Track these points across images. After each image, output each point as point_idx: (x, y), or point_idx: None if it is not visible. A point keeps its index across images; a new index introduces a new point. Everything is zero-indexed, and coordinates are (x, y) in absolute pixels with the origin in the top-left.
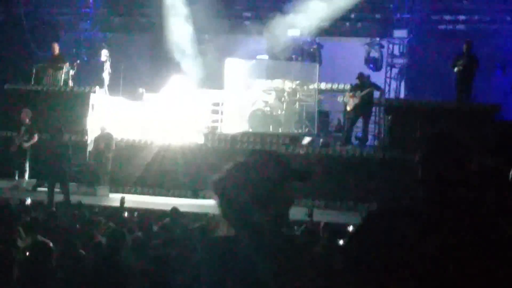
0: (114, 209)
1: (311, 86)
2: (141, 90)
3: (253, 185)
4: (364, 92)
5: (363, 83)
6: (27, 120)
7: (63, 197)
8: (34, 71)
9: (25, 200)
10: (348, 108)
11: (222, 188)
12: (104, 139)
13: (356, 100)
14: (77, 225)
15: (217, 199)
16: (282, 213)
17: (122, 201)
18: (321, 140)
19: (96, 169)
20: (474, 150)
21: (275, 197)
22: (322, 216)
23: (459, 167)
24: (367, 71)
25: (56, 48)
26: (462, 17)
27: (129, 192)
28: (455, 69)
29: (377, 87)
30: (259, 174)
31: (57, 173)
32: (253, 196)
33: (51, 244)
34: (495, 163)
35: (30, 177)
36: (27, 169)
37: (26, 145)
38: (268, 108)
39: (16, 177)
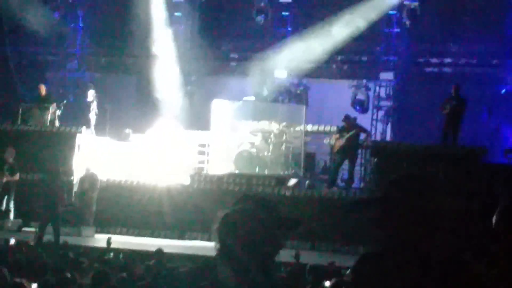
0: (99, 249)
1: (297, 128)
2: (127, 130)
3: (244, 232)
4: (350, 134)
5: (350, 125)
6: (10, 159)
7: (53, 237)
8: (20, 111)
9: (9, 241)
10: (334, 150)
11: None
12: (89, 179)
13: (342, 142)
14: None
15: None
16: (270, 258)
17: (109, 241)
18: (307, 182)
19: (81, 210)
20: (446, 192)
21: (265, 242)
22: (308, 258)
23: (420, 210)
24: (353, 113)
25: (43, 89)
26: (448, 60)
27: (114, 233)
28: (444, 112)
29: (363, 130)
30: (250, 222)
31: (51, 213)
32: (244, 242)
33: (33, 286)
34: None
35: (15, 217)
36: (12, 208)
37: (5, 180)
38: (254, 150)
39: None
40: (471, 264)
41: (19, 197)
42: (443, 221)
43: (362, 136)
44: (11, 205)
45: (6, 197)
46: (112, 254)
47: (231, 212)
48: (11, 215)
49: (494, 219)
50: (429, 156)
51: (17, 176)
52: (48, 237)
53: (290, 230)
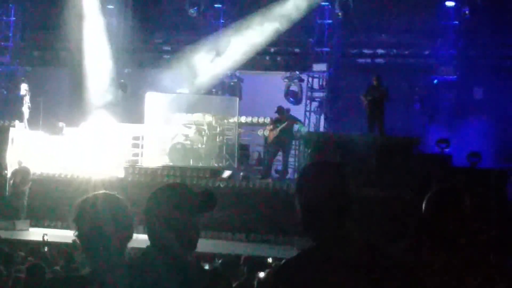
0: (34, 243)
1: (231, 120)
2: (61, 124)
3: (166, 216)
4: (283, 125)
5: (283, 116)
6: None
7: None
8: None
9: None
10: (268, 142)
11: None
12: (21, 173)
13: (276, 134)
14: None
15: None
16: (192, 241)
17: (44, 238)
18: (241, 173)
19: (14, 204)
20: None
21: (183, 228)
22: (243, 249)
23: (333, 196)
24: (287, 105)
25: None
26: (380, 51)
27: (49, 226)
28: (364, 102)
29: (297, 121)
30: (166, 208)
31: None
32: (167, 225)
33: None
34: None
35: None
36: None
37: None
38: (188, 142)
39: None
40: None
41: None
42: (354, 209)
43: (296, 127)
44: None
45: None
46: (46, 248)
47: (149, 204)
48: None
49: (423, 206)
50: (363, 146)
51: None
52: None
53: (206, 210)
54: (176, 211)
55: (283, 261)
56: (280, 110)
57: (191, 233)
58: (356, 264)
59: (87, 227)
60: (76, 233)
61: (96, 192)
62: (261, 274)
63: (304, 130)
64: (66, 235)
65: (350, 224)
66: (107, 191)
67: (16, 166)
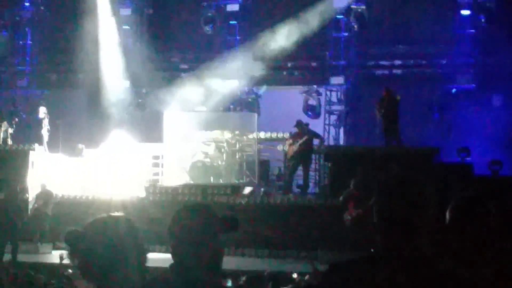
0: (56, 266)
1: (250, 136)
2: (80, 146)
3: (187, 239)
4: (303, 140)
5: (302, 131)
6: None
7: (10, 256)
8: None
9: None
10: (288, 156)
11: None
12: (43, 196)
13: (295, 148)
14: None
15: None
16: (216, 263)
17: (61, 257)
18: (262, 189)
19: (36, 227)
20: (429, 192)
21: (206, 248)
22: (266, 265)
23: (416, 211)
24: (305, 119)
25: None
26: (398, 62)
27: None
28: (378, 114)
29: (316, 135)
30: (189, 229)
31: (9, 232)
32: (189, 248)
33: None
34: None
35: None
36: None
37: None
38: (208, 159)
39: None
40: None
41: None
42: (427, 225)
43: (316, 141)
44: None
45: None
46: (70, 270)
47: (173, 224)
48: None
49: (447, 215)
50: (383, 158)
51: None
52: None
53: (229, 231)
54: (199, 232)
55: (338, 262)
56: (299, 124)
57: (214, 254)
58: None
59: (93, 253)
60: (76, 261)
61: (102, 216)
62: None
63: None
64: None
65: (423, 238)
66: (112, 214)
67: (38, 189)
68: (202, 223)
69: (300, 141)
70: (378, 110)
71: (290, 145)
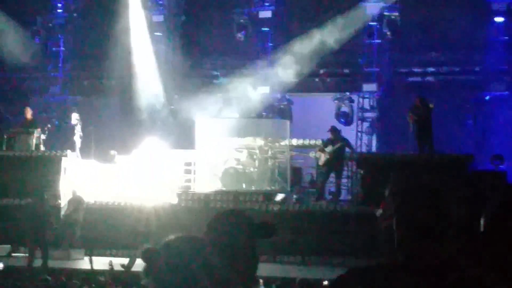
0: (89, 272)
1: (282, 143)
2: (112, 152)
3: (221, 247)
4: (336, 146)
5: (336, 137)
6: None
7: (41, 262)
8: (5, 136)
9: None
10: (321, 163)
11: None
12: (74, 202)
13: (328, 155)
14: None
15: None
16: (251, 270)
17: (91, 260)
18: (294, 196)
19: (68, 233)
20: (451, 201)
21: (242, 255)
22: (297, 272)
23: (439, 219)
24: (338, 126)
25: (29, 112)
26: (431, 69)
27: (103, 255)
28: (411, 122)
29: (349, 144)
30: (225, 235)
31: (38, 238)
32: (222, 256)
33: None
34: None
35: (3, 243)
36: None
37: None
38: (240, 166)
39: None
40: (472, 271)
41: (6, 222)
42: (450, 232)
43: (348, 149)
44: None
45: None
46: (103, 276)
47: (207, 230)
48: None
49: (482, 223)
50: (416, 165)
51: None
52: (38, 261)
53: (266, 238)
54: (236, 238)
55: (357, 267)
56: (333, 130)
57: (250, 261)
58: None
59: (169, 274)
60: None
61: (175, 236)
62: None
63: None
64: (119, 263)
65: (445, 247)
66: (186, 235)
67: (70, 196)
68: (238, 229)
69: (333, 148)
70: (411, 117)
71: (323, 152)
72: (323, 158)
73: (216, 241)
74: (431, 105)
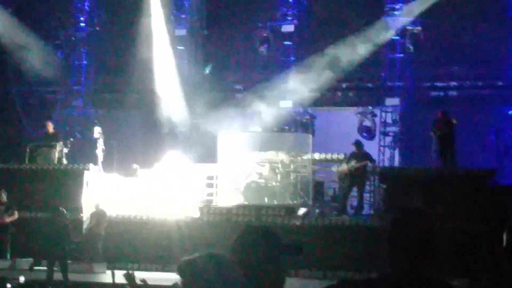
0: (112, 285)
1: (305, 157)
2: (135, 166)
3: (249, 263)
4: (359, 164)
5: (359, 151)
6: (5, 199)
7: (62, 276)
8: (28, 150)
9: (18, 279)
10: (343, 178)
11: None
12: (97, 215)
13: (350, 169)
14: None
15: None
16: (277, 287)
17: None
18: (316, 210)
19: (91, 246)
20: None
21: (269, 272)
22: (319, 286)
23: (426, 241)
24: (360, 140)
25: (50, 126)
26: (453, 83)
27: (126, 268)
28: (434, 136)
29: (371, 159)
30: (252, 252)
31: (57, 252)
32: (249, 272)
33: None
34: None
35: (26, 256)
36: (9, 248)
37: (8, 219)
38: (262, 180)
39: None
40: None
41: (28, 236)
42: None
43: (370, 164)
44: (8, 244)
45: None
46: None
47: (235, 245)
48: (8, 255)
49: (504, 238)
50: (438, 179)
51: (15, 214)
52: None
53: (292, 256)
54: (263, 254)
55: (349, 279)
56: (357, 144)
57: (276, 277)
58: None
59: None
60: None
61: (199, 254)
62: None
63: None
64: (142, 276)
65: (430, 262)
66: (212, 252)
67: (93, 209)
68: (266, 245)
69: (356, 165)
70: (434, 132)
71: (346, 164)
72: (346, 172)
73: (243, 258)
74: (454, 121)
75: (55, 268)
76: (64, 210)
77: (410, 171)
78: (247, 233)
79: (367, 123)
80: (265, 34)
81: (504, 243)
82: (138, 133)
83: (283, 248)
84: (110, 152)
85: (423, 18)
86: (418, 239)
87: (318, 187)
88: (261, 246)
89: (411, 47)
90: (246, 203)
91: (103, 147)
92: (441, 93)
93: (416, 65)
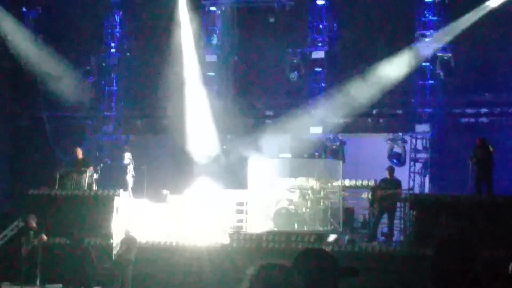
0: None
1: (335, 183)
2: (165, 192)
3: (308, 283)
4: (390, 193)
5: (391, 177)
6: (34, 225)
7: None
8: (58, 175)
9: None
10: (373, 204)
11: None
12: (128, 241)
13: (381, 196)
14: None
15: None
16: None
17: None
18: (346, 237)
19: (121, 273)
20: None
21: None
22: None
23: (468, 270)
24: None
25: (80, 153)
26: (484, 110)
27: None
28: (471, 162)
29: (400, 187)
30: (310, 275)
31: (80, 278)
32: None
33: None
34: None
35: (55, 282)
36: (38, 274)
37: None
38: (292, 207)
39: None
40: None
41: (58, 261)
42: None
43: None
44: (37, 270)
45: (33, 263)
46: None
47: (295, 268)
48: (37, 280)
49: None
50: (469, 207)
51: (44, 237)
52: None
53: (349, 277)
54: (321, 277)
55: None
56: (391, 170)
57: None
58: None
59: None
60: None
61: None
62: None
63: None
64: None
65: None
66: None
67: (122, 235)
68: (324, 268)
69: (387, 193)
70: (470, 159)
71: (378, 190)
72: (376, 198)
73: (300, 279)
74: (491, 148)
75: None
76: (83, 237)
77: (441, 198)
78: (305, 256)
79: (398, 149)
80: (295, 61)
81: (510, 270)
82: (168, 159)
83: (341, 271)
84: (140, 178)
85: (453, 44)
86: (461, 267)
87: (348, 213)
88: (321, 269)
89: (441, 74)
90: (276, 229)
91: (133, 173)
92: (472, 120)
93: (447, 91)
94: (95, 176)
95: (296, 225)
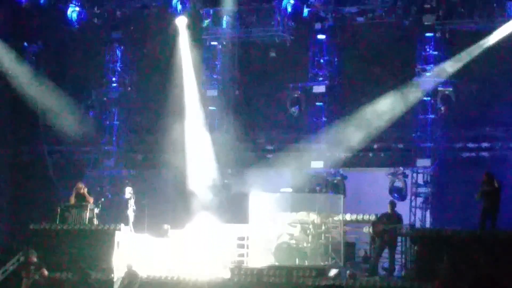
0: None
1: (336, 218)
2: (166, 226)
3: None
4: (394, 226)
5: (393, 211)
6: (35, 259)
7: None
8: (59, 210)
9: None
10: (374, 239)
11: None
12: (130, 276)
13: (381, 230)
14: None
15: None
16: None
17: None
18: (347, 271)
19: None
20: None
21: None
22: None
23: None
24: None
25: (81, 187)
26: (485, 144)
27: None
28: (477, 198)
29: (401, 221)
30: None
31: None
32: None
33: None
34: None
35: None
36: None
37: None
38: (293, 241)
39: None
40: None
41: None
42: None
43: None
44: None
45: None
46: None
47: None
48: None
49: None
50: (471, 242)
51: (45, 272)
52: None
53: None
54: None
55: None
56: (392, 204)
57: None
58: None
59: None
60: None
61: None
62: None
63: None
64: None
65: None
66: None
67: (123, 270)
68: None
69: (387, 228)
70: (477, 193)
71: (378, 225)
72: (377, 233)
73: None
74: (496, 184)
75: None
76: (90, 271)
77: (442, 233)
78: None
79: (399, 184)
80: (296, 95)
81: None
82: (169, 193)
83: None
84: (141, 212)
85: (454, 79)
86: None
87: (349, 248)
88: None
89: (442, 108)
90: (277, 264)
91: (134, 207)
92: (473, 154)
93: (448, 126)
94: (96, 210)
95: (297, 259)
